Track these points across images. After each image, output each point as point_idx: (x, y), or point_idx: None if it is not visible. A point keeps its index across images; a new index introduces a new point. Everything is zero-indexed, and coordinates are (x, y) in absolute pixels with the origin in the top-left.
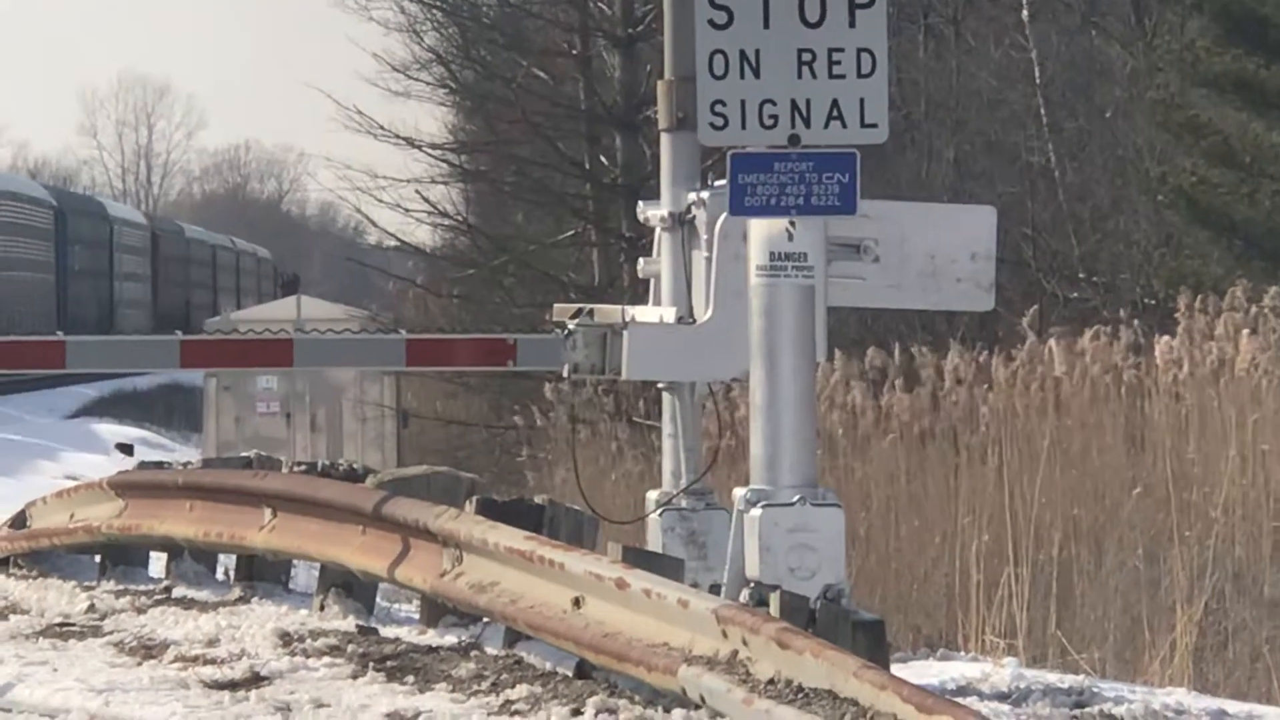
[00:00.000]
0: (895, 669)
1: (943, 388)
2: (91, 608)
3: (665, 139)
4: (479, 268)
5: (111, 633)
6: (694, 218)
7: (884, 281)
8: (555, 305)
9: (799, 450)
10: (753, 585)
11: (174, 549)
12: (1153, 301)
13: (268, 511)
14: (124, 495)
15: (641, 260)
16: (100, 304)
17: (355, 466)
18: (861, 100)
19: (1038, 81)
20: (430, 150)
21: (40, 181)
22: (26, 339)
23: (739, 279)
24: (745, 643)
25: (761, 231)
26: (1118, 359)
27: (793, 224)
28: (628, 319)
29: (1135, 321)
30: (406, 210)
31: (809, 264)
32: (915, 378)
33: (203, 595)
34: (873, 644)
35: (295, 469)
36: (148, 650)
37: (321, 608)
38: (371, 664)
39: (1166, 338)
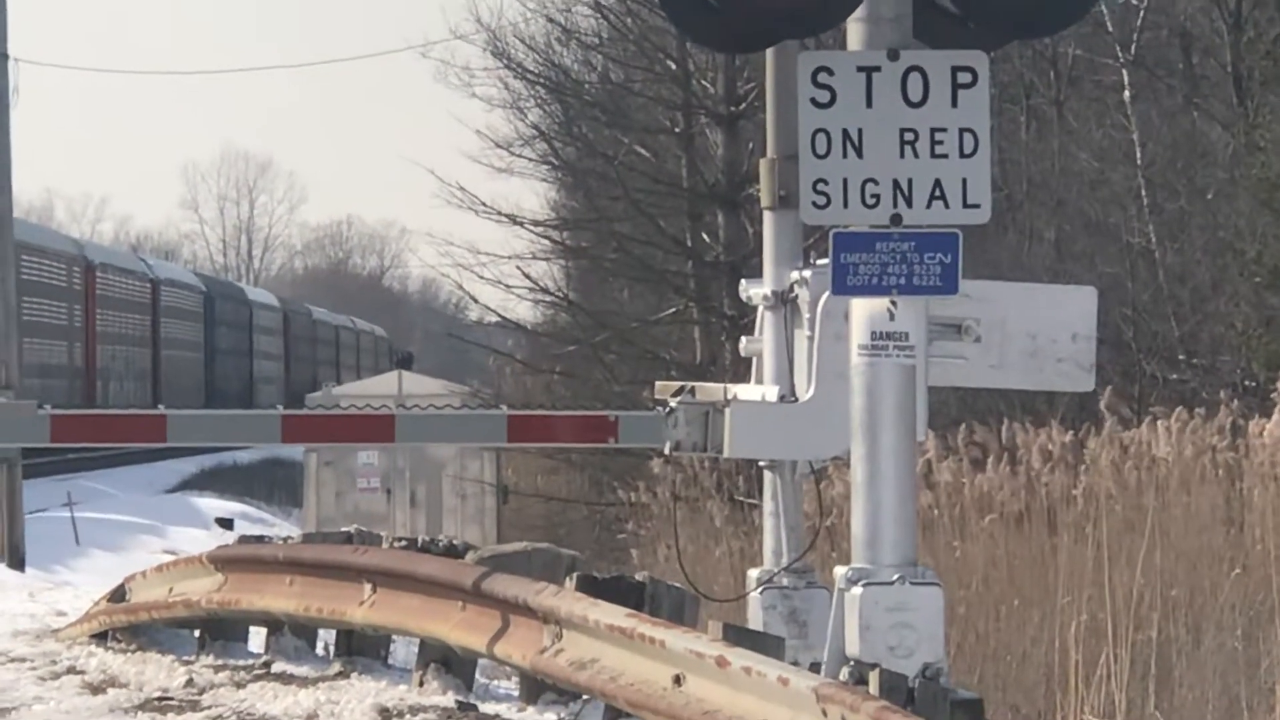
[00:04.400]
0: None
1: (1039, 467)
2: (190, 682)
3: (767, 217)
4: (580, 344)
5: (210, 707)
6: (796, 296)
7: (985, 361)
8: (657, 383)
9: (899, 529)
10: (852, 663)
11: (273, 624)
12: (1252, 383)
13: (368, 587)
14: (223, 570)
15: (744, 339)
16: (241, 380)
17: (455, 542)
18: (964, 180)
19: (1139, 162)
20: (532, 226)
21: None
22: (129, 413)
23: (841, 358)
24: None
25: (863, 311)
26: (1214, 440)
27: (894, 303)
28: (729, 397)
29: (1234, 403)
30: (508, 286)
31: (910, 343)
32: (1014, 456)
33: (302, 670)
34: None
35: (395, 545)
36: None
37: (421, 683)
38: None
39: (1263, 419)
